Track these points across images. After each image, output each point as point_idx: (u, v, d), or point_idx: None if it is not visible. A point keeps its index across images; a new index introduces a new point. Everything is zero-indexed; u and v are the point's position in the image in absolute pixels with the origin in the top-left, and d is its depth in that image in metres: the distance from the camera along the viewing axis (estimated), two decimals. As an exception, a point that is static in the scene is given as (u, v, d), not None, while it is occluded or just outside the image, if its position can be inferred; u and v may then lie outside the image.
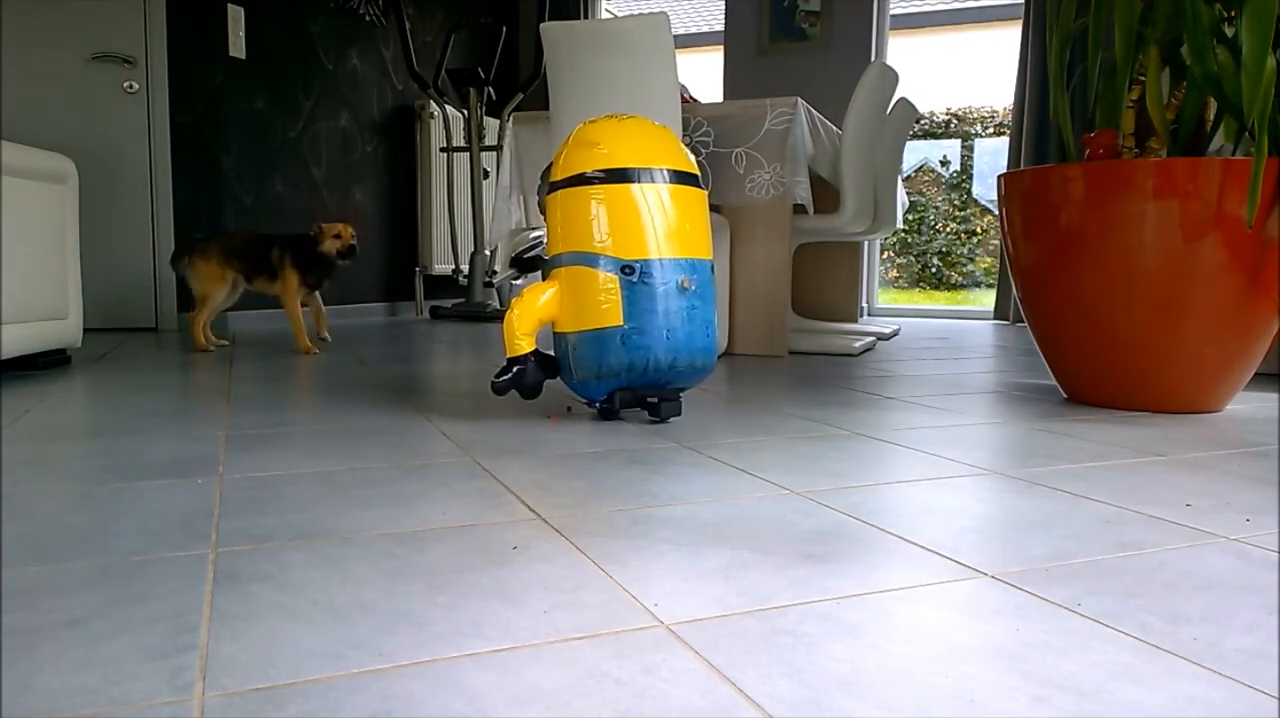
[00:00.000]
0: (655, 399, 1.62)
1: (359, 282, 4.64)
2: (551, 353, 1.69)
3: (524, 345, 1.63)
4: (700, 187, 1.64)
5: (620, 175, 1.54)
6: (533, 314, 1.62)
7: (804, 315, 4.29)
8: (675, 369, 1.59)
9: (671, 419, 1.69)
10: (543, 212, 1.66)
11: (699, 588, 0.81)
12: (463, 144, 4.84)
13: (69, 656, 0.66)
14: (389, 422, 1.65)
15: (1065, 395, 2.05)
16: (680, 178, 1.59)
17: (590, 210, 1.55)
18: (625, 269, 1.54)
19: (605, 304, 1.55)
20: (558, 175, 1.60)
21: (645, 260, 1.54)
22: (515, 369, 1.63)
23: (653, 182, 1.55)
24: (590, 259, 1.56)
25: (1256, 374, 2.48)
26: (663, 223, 1.55)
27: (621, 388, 1.61)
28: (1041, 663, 0.67)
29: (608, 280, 1.54)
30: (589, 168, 1.56)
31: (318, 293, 3.14)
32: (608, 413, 1.67)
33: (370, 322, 4.41)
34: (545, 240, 5.04)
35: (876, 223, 3.51)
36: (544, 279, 1.68)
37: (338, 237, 2.99)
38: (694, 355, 1.59)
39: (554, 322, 1.64)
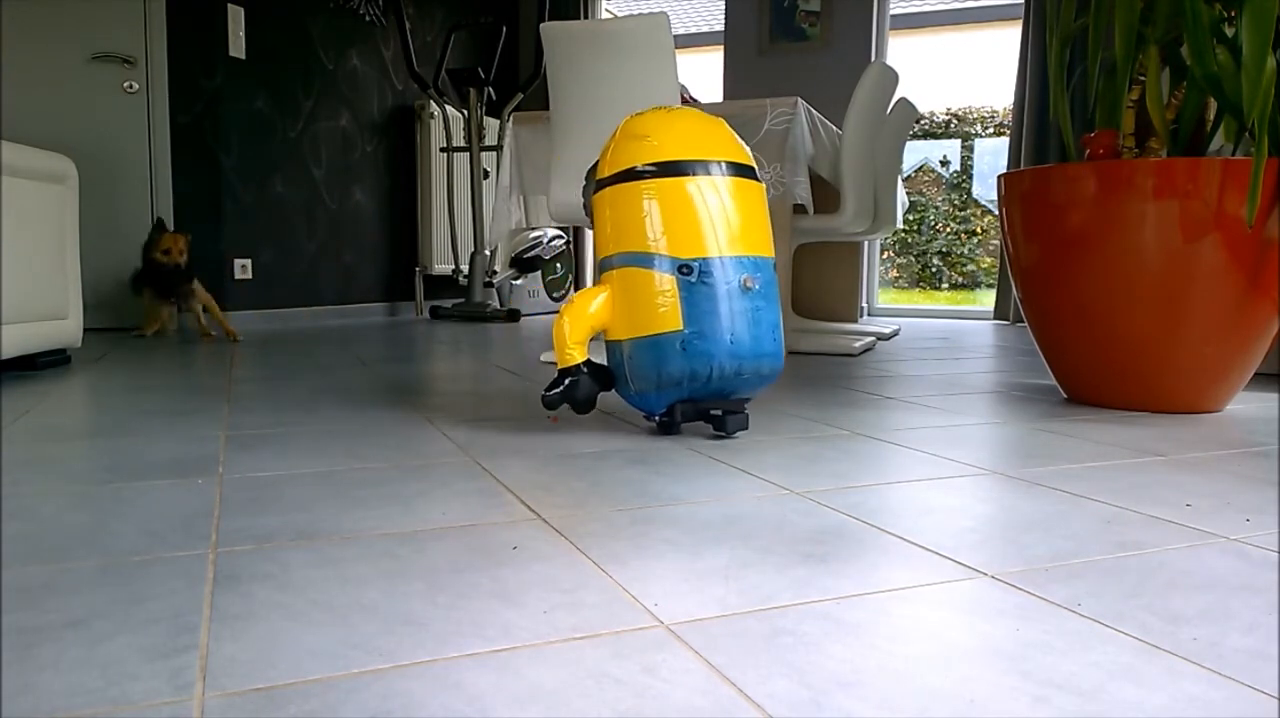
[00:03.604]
0: (719, 412, 1.50)
1: (359, 282, 4.64)
2: (605, 362, 1.58)
3: (576, 355, 1.51)
4: (758, 179, 1.52)
5: (673, 169, 1.44)
6: (584, 321, 1.50)
7: (804, 315, 4.29)
8: (741, 377, 1.47)
9: (738, 434, 1.55)
10: (588, 213, 1.57)
11: (699, 588, 0.81)
12: (463, 144, 4.84)
13: (69, 656, 0.66)
14: (389, 422, 1.65)
15: (1065, 395, 2.05)
16: (737, 170, 1.48)
17: (642, 207, 1.45)
18: (683, 269, 1.43)
19: (662, 308, 1.44)
20: (605, 171, 1.50)
21: (704, 259, 1.43)
22: (567, 381, 1.51)
23: (708, 174, 1.45)
24: (644, 259, 1.45)
25: (1256, 374, 2.48)
26: (721, 218, 1.44)
27: (683, 399, 1.50)
28: (1041, 663, 0.67)
29: (664, 282, 1.44)
30: (639, 161, 1.46)
31: (190, 297, 3.36)
32: (667, 427, 1.55)
33: (370, 322, 4.41)
34: (543, 240, 5.05)
35: (876, 223, 3.51)
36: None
37: (166, 251, 3.21)
38: (760, 361, 1.47)
39: (605, 329, 1.53)
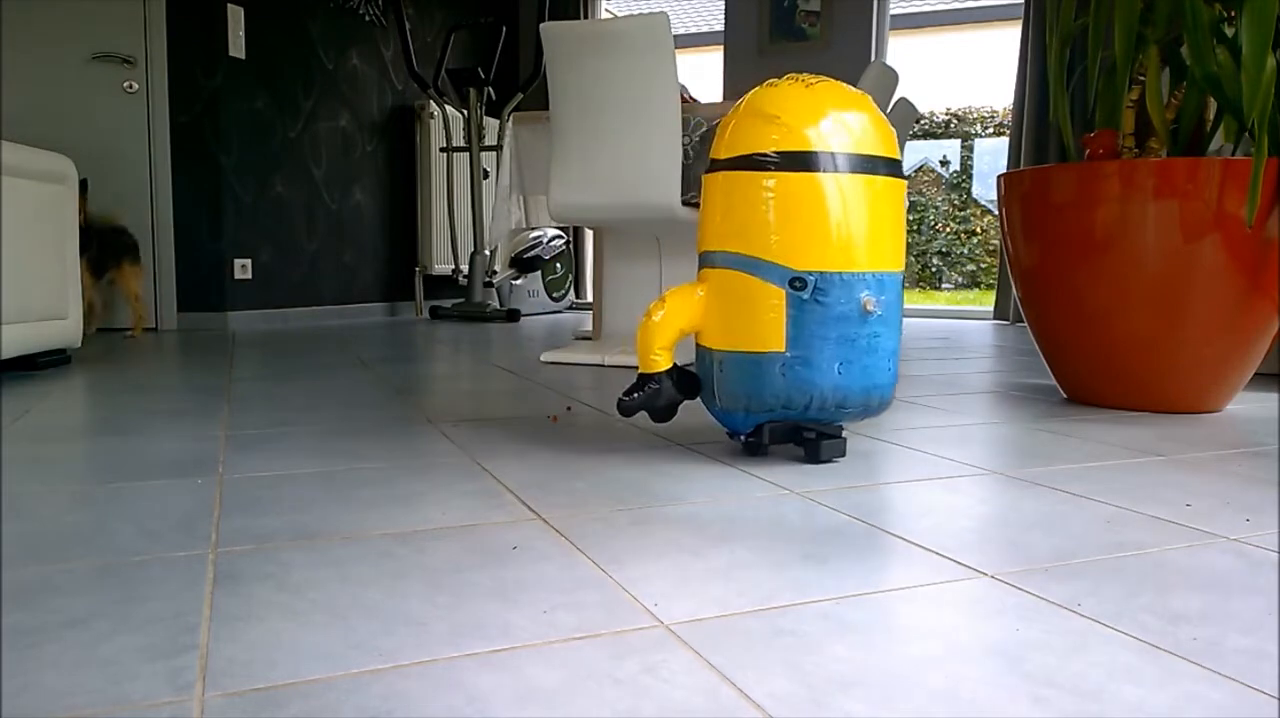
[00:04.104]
0: (813, 434, 1.33)
1: (359, 282, 4.64)
2: (692, 367, 1.42)
3: (660, 361, 1.37)
4: (901, 175, 1.31)
5: (802, 161, 1.22)
6: (674, 323, 1.34)
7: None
8: (843, 410, 1.30)
9: (836, 459, 1.38)
10: (696, 192, 1.44)
11: (699, 588, 0.81)
12: (463, 144, 4.84)
13: (69, 656, 0.66)
14: (389, 422, 1.65)
15: (1065, 395, 2.05)
16: (877, 166, 1.26)
17: (757, 203, 1.25)
18: (794, 282, 1.24)
19: (764, 323, 1.26)
20: (722, 153, 1.31)
21: (821, 273, 1.23)
22: (648, 388, 1.37)
23: (845, 169, 1.23)
24: (751, 265, 1.26)
25: (1256, 374, 2.48)
26: (850, 225, 1.24)
27: (773, 421, 1.34)
28: (1041, 663, 0.67)
29: (771, 294, 1.25)
30: (762, 148, 1.25)
31: (113, 280, 3.30)
32: (754, 448, 1.40)
33: (370, 322, 4.41)
34: (542, 240, 5.04)
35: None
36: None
37: None
38: (869, 395, 1.29)
39: (698, 333, 1.37)
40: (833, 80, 1.30)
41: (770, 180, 1.24)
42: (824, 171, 1.23)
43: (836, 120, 1.25)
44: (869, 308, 1.25)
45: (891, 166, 1.29)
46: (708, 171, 1.35)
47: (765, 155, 1.24)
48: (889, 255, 1.28)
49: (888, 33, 5.06)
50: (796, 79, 1.29)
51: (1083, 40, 4.08)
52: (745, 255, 1.27)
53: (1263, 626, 0.74)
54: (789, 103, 1.25)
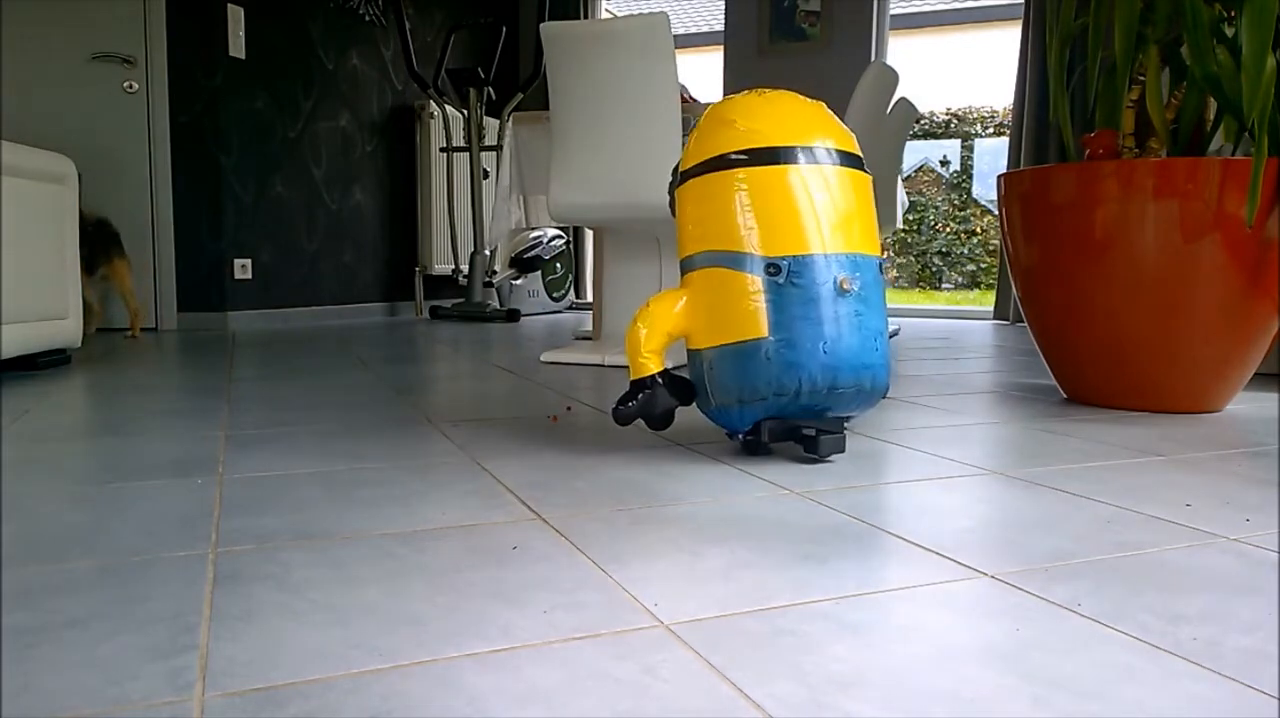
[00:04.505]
0: (813, 431, 1.34)
1: (359, 282, 4.64)
2: (684, 370, 1.45)
3: (650, 365, 1.37)
4: (864, 169, 1.38)
5: (767, 156, 1.30)
6: (661, 327, 1.36)
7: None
8: (836, 392, 1.30)
9: (835, 457, 1.39)
10: (674, 212, 1.45)
11: (699, 588, 0.81)
12: (463, 144, 4.84)
13: (69, 656, 0.66)
14: (389, 422, 1.65)
15: (1064, 395, 2.05)
16: (838, 157, 1.33)
17: (731, 199, 1.31)
18: (770, 268, 1.28)
19: (746, 311, 1.29)
20: (689, 162, 1.37)
21: (794, 257, 1.28)
22: (641, 395, 1.38)
23: (806, 162, 1.31)
24: (730, 259, 1.30)
25: (1256, 374, 2.48)
26: (816, 211, 1.30)
27: (771, 417, 1.34)
28: (1041, 663, 0.67)
29: (749, 283, 1.29)
30: (730, 149, 1.32)
31: (105, 277, 3.29)
32: (753, 447, 1.41)
33: (370, 322, 4.41)
34: (542, 240, 5.04)
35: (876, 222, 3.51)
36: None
37: None
38: (859, 374, 1.30)
39: (687, 337, 1.39)
40: (787, 91, 1.39)
41: (741, 175, 1.30)
42: (789, 164, 1.30)
43: (795, 119, 1.33)
44: (845, 286, 1.29)
45: (852, 160, 1.36)
46: (679, 185, 1.40)
47: (735, 154, 1.31)
48: (860, 239, 1.33)
49: (888, 33, 5.06)
50: (753, 90, 1.39)
51: (1083, 40, 4.08)
52: (722, 251, 1.32)
53: (1263, 626, 0.74)
54: (751, 108, 1.34)
